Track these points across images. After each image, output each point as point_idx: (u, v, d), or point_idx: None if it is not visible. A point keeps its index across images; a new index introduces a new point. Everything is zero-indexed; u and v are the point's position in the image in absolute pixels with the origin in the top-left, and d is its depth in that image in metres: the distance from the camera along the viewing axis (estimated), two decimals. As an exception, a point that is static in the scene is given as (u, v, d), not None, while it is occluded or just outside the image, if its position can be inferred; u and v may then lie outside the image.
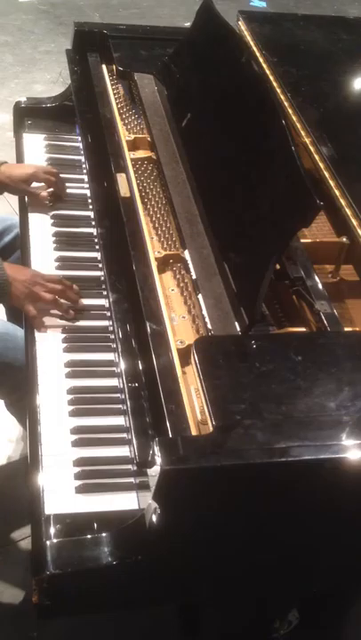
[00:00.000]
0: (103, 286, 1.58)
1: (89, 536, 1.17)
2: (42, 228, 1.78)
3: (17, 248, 1.88)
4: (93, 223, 1.75)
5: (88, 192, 1.82)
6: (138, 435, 1.26)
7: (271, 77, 1.83)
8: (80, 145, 1.96)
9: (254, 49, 1.93)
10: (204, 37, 1.79)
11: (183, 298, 1.46)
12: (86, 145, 1.87)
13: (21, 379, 1.58)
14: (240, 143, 1.51)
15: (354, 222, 1.48)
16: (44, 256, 1.70)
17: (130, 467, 1.29)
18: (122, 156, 1.75)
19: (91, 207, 1.79)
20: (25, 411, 1.42)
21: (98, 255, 1.67)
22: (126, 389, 1.32)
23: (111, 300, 1.49)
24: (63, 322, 1.54)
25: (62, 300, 1.55)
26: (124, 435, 1.34)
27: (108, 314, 1.52)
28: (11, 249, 1.93)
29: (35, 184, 1.84)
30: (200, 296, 1.38)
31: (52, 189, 1.84)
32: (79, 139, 1.98)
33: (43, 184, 1.84)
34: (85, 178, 1.87)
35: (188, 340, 1.32)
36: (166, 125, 1.80)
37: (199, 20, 1.83)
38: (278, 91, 1.78)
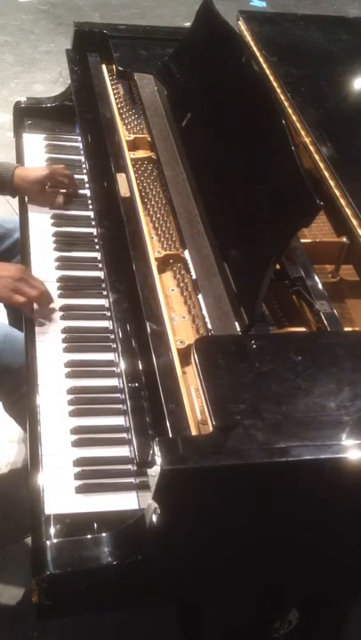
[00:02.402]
0: (103, 286, 1.58)
1: (89, 536, 1.17)
2: (42, 228, 1.78)
3: (18, 252, 1.88)
4: (93, 223, 1.75)
5: (88, 192, 1.82)
6: (138, 435, 1.26)
7: (271, 77, 1.83)
8: (80, 145, 1.96)
9: (254, 49, 1.93)
10: (204, 37, 1.80)
11: (183, 298, 1.46)
12: (86, 145, 1.87)
13: (19, 381, 1.59)
14: (240, 143, 1.51)
15: (354, 222, 1.48)
16: (44, 256, 1.70)
17: (130, 467, 1.29)
18: (122, 155, 1.75)
19: (91, 207, 1.79)
20: (23, 413, 1.42)
21: (98, 255, 1.67)
22: (126, 389, 1.32)
23: (111, 300, 1.49)
24: (67, 320, 1.55)
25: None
26: (124, 435, 1.34)
27: (108, 314, 1.52)
28: (12, 252, 1.93)
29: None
30: (200, 296, 1.38)
31: (64, 191, 1.84)
32: (79, 139, 1.98)
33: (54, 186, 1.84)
34: (85, 178, 1.87)
35: (188, 340, 1.32)
36: (166, 125, 1.80)
37: (199, 20, 1.83)
38: (278, 91, 1.78)
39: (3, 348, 1.65)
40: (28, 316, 1.55)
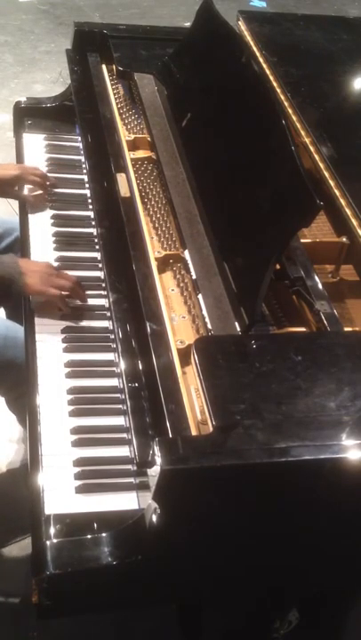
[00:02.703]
0: (103, 286, 1.58)
1: (89, 536, 1.17)
2: (42, 228, 1.78)
3: (17, 251, 1.88)
4: (93, 223, 1.75)
5: (88, 192, 1.82)
6: (138, 435, 1.26)
7: (271, 77, 1.83)
8: (80, 145, 1.96)
9: (254, 49, 1.93)
10: (204, 37, 1.80)
11: (183, 298, 1.46)
12: (86, 145, 1.87)
13: (21, 376, 1.59)
14: (240, 143, 1.51)
15: (354, 222, 1.48)
16: (44, 256, 1.70)
17: (130, 467, 1.29)
18: (122, 155, 1.75)
19: (91, 207, 1.79)
20: (24, 409, 1.42)
21: (98, 255, 1.67)
22: (126, 389, 1.32)
23: (111, 300, 1.49)
24: (67, 320, 1.55)
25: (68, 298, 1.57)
26: (124, 435, 1.34)
27: (108, 314, 1.52)
28: (11, 252, 1.93)
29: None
30: (200, 296, 1.38)
31: (39, 192, 1.84)
32: (79, 139, 1.98)
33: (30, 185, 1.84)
34: (85, 178, 1.87)
35: (188, 340, 1.32)
36: (166, 125, 1.80)
37: (199, 20, 1.83)
38: (278, 91, 1.78)
39: (4, 344, 1.65)
40: (63, 310, 1.56)
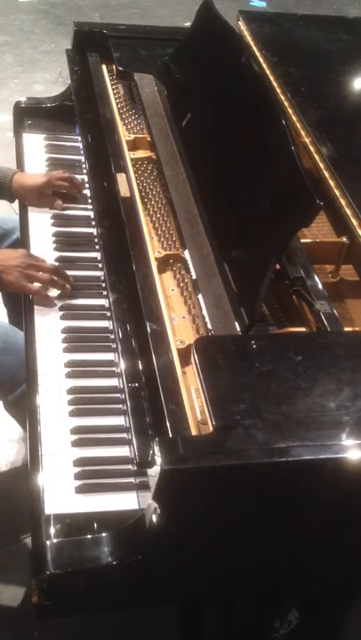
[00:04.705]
0: (103, 286, 1.58)
1: (89, 536, 1.17)
2: (42, 228, 1.78)
3: None
4: (93, 223, 1.75)
5: (88, 192, 1.82)
6: (138, 435, 1.26)
7: (271, 77, 1.83)
8: (80, 145, 1.96)
9: (254, 49, 1.93)
10: (204, 37, 1.80)
11: (183, 298, 1.46)
12: (86, 145, 1.87)
13: (19, 380, 1.59)
14: (240, 143, 1.51)
15: (354, 222, 1.48)
16: (44, 256, 1.70)
17: (130, 467, 1.29)
18: (122, 155, 1.75)
19: (91, 207, 1.79)
20: (23, 412, 1.42)
21: (98, 255, 1.67)
22: (126, 389, 1.32)
23: (111, 300, 1.50)
24: (67, 320, 1.55)
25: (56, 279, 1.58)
26: (124, 435, 1.34)
27: (108, 314, 1.53)
28: None
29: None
30: (200, 296, 1.38)
31: (64, 191, 1.84)
32: (79, 139, 1.98)
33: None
34: (85, 178, 1.87)
35: (188, 340, 1.32)
36: (166, 125, 1.80)
37: (199, 20, 1.84)
38: (278, 91, 1.78)
39: (4, 348, 1.65)
40: (41, 304, 1.56)
